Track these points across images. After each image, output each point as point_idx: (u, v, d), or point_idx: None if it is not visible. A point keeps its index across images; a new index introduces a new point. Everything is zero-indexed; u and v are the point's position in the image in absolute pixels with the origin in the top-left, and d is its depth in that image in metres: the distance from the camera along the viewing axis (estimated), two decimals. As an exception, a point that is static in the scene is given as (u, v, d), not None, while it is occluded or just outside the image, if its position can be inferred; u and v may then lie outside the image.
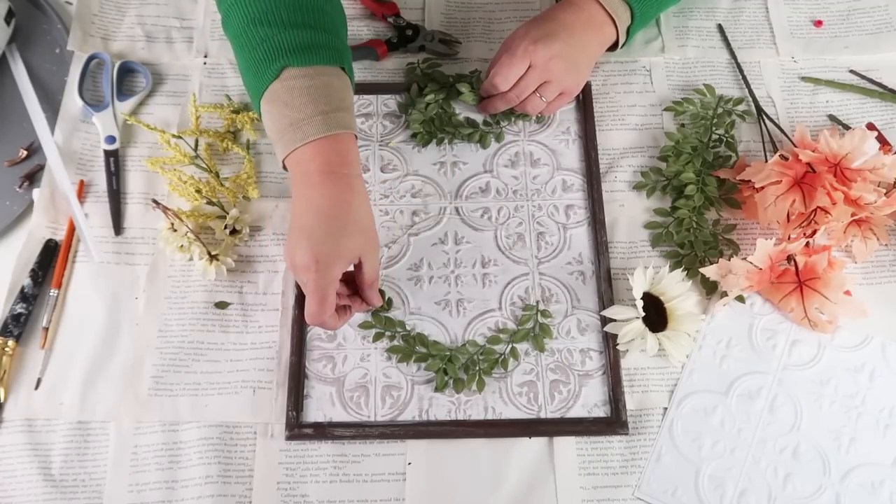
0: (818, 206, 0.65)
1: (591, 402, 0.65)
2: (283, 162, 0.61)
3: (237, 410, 0.65)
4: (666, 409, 0.65)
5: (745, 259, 0.65)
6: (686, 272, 0.68)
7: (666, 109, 0.78)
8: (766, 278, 0.66)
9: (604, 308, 0.68)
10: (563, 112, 0.78)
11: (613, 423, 0.64)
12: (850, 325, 0.68)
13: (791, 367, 0.67)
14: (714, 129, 0.75)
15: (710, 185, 0.72)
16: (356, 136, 0.62)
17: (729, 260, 0.66)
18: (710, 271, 0.67)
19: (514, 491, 0.62)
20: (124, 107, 0.77)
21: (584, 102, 0.77)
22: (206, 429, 0.64)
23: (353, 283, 0.64)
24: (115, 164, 0.74)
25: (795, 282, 0.66)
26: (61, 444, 0.63)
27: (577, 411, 0.65)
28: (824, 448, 0.64)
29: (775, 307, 0.69)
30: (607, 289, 0.69)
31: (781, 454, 0.63)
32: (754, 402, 0.65)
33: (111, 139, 0.75)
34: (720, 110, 0.77)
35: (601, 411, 0.65)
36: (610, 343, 0.66)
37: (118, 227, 0.72)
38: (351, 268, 0.62)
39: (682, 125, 0.77)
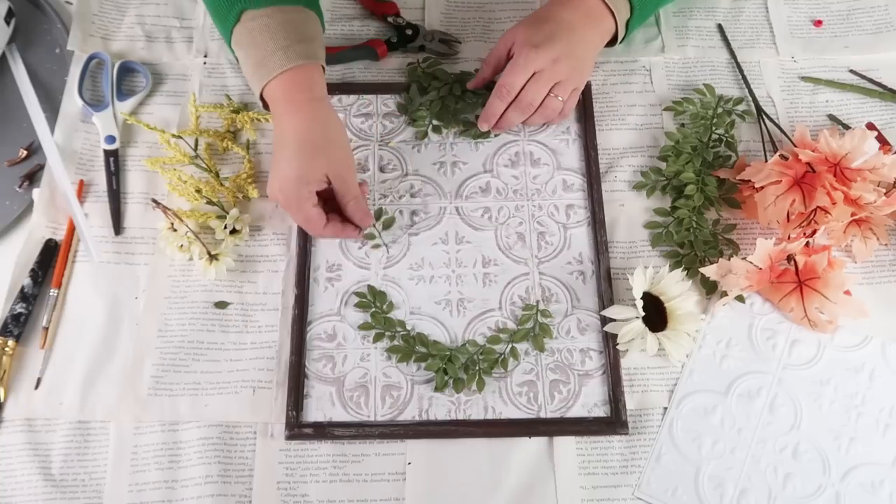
0: (818, 206, 0.65)
1: (590, 401, 0.65)
2: (261, 102, 0.68)
3: (237, 410, 0.65)
4: (666, 408, 0.65)
5: (745, 259, 0.65)
6: (686, 272, 0.68)
7: (666, 109, 0.78)
8: (766, 278, 0.66)
9: (604, 308, 0.68)
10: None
11: (613, 422, 0.64)
12: (850, 324, 0.68)
13: (791, 367, 0.67)
14: (714, 128, 0.75)
15: (710, 185, 0.72)
16: (323, 66, 0.67)
17: (729, 260, 0.66)
18: (710, 271, 0.67)
19: (514, 491, 0.62)
20: (124, 106, 0.77)
21: (584, 102, 0.77)
22: (205, 428, 0.64)
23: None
24: (114, 163, 0.74)
25: (795, 282, 0.66)
26: (61, 444, 0.63)
27: (576, 411, 0.65)
28: (824, 448, 0.64)
29: (775, 307, 0.69)
30: (607, 288, 0.69)
31: (781, 454, 0.63)
32: (754, 401, 0.65)
33: (111, 139, 0.75)
34: (720, 110, 0.77)
35: (601, 411, 0.65)
36: (610, 343, 0.66)
37: (118, 226, 0.72)
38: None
39: (682, 125, 0.77)
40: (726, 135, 0.76)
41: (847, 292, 0.66)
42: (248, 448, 0.64)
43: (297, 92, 0.64)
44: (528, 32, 0.70)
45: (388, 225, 0.71)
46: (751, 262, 0.65)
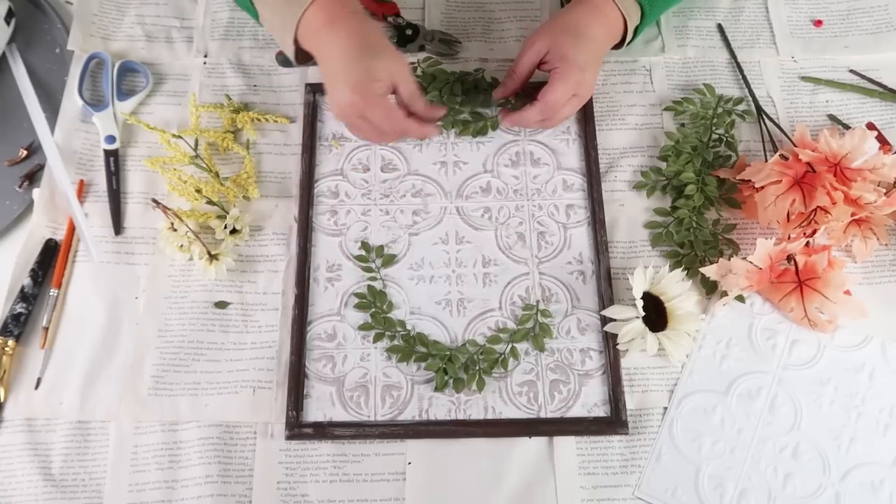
0: (818, 206, 0.65)
1: (590, 401, 0.65)
2: (295, 44, 0.66)
3: (237, 410, 0.65)
4: (666, 408, 0.65)
5: (745, 259, 0.65)
6: (686, 272, 0.68)
7: (666, 109, 0.78)
8: (766, 278, 0.66)
9: (604, 308, 0.68)
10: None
11: (613, 422, 0.64)
12: (850, 324, 0.68)
13: (791, 367, 0.67)
14: (714, 128, 0.75)
15: (710, 185, 0.72)
16: None
17: (729, 260, 0.66)
18: (710, 271, 0.67)
19: (514, 490, 0.62)
20: (124, 106, 0.77)
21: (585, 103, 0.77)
22: (205, 428, 0.64)
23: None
24: (115, 163, 0.74)
25: (795, 281, 0.66)
26: (61, 444, 0.63)
27: (576, 411, 0.65)
28: (824, 448, 0.64)
29: (775, 307, 0.69)
30: (607, 288, 0.69)
31: (781, 454, 0.63)
32: (754, 401, 0.65)
33: (111, 139, 0.75)
34: (720, 110, 0.77)
35: (601, 411, 0.65)
36: (610, 343, 0.66)
37: (118, 226, 0.72)
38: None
39: (682, 125, 0.77)
40: (726, 135, 0.76)
41: (847, 292, 0.66)
42: (248, 448, 0.64)
43: (338, 8, 0.64)
44: (572, 49, 0.69)
45: (387, 262, 0.71)
46: (751, 262, 0.65)
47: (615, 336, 0.66)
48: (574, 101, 0.71)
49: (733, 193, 0.72)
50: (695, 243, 0.70)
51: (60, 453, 0.63)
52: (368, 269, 0.70)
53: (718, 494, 0.62)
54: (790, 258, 0.67)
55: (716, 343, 0.68)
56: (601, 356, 0.67)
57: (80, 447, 0.63)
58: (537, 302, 0.69)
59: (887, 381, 0.66)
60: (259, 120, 0.76)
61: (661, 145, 0.76)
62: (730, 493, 0.62)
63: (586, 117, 0.77)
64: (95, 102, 0.77)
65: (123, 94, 0.78)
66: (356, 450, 0.64)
